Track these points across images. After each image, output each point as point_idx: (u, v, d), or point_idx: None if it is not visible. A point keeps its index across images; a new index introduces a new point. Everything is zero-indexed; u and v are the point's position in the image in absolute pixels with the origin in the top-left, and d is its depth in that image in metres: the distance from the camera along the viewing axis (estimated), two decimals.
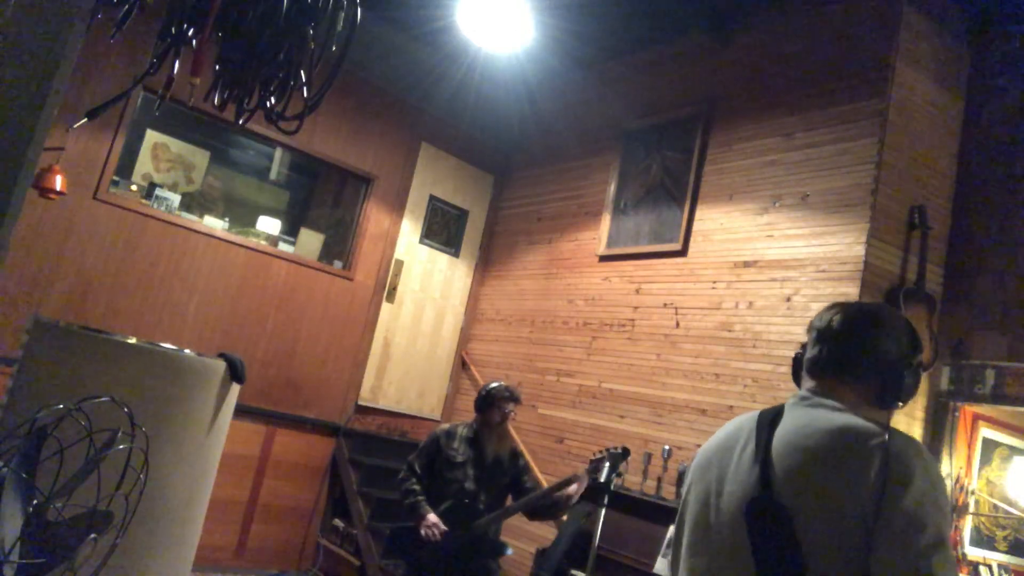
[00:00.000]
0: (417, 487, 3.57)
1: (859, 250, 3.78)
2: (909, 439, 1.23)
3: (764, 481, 1.26)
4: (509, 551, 3.67)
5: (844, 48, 4.16)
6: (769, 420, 1.36)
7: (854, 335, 1.38)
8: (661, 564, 3.79)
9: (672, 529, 1.59)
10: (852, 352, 1.37)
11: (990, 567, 4.04)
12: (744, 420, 1.43)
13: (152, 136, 6.16)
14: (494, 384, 3.73)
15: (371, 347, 5.93)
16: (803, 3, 4.48)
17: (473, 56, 5.55)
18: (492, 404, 3.64)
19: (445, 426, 3.79)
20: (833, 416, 1.29)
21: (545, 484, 4.34)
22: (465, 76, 5.82)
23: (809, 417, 1.32)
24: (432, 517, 3.45)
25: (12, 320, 4.41)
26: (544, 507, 3.54)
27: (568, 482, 3.43)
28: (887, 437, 1.20)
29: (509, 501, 3.70)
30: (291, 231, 6.32)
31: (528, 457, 3.82)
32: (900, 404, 1.39)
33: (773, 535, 1.21)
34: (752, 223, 4.37)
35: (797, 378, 1.47)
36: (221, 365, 1.97)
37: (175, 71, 1.86)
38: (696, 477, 1.45)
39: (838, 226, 3.92)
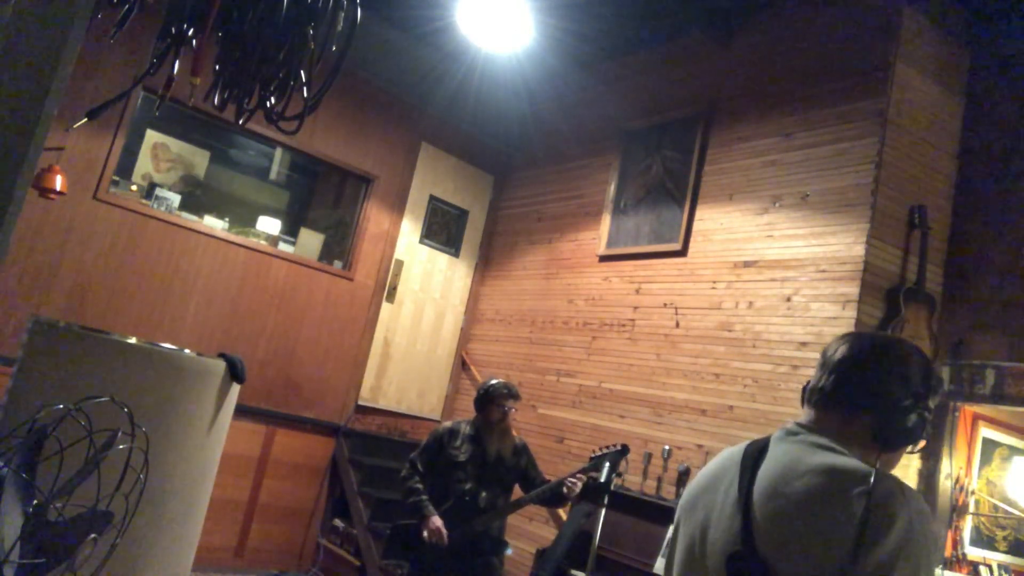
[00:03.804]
0: (420, 486, 3.56)
1: (859, 250, 3.78)
2: (897, 485, 1.16)
3: (745, 533, 1.21)
4: (509, 551, 3.67)
5: (844, 48, 4.16)
6: (753, 458, 1.30)
7: (855, 367, 1.30)
8: (661, 564, 3.79)
9: (670, 530, 1.55)
10: (851, 385, 1.30)
11: (990, 567, 4.04)
12: (729, 456, 1.38)
13: (152, 136, 6.16)
14: (492, 381, 3.69)
15: (371, 347, 5.93)
16: (803, 3, 4.48)
17: (473, 56, 5.55)
18: (491, 402, 3.62)
19: (448, 424, 3.77)
20: (819, 456, 1.23)
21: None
22: (465, 76, 5.82)
23: (793, 456, 1.26)
24: (435, 521, 3.44)
25: (12, 320, 4.41)
26: (549, 499, 3.58)
27: (574, 475, 3.45)
28: (872, 483, 1.13)
29: (517, 493, 3.70)
30: (291, 231, 6.33)
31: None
32: (902, 449, 1.31)
33: None
34: (752, 223, 4.37)
35: (803, 406, 1.42)
36: (221, 365, 1.96)
37: (175, 71, 1.86)
38: (683, 518, 1.41)
39: (838, 226, 3.92)
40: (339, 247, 6.09)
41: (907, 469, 3.83)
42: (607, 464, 3.43)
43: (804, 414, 1.36)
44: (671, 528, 1.47)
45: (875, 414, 1.27)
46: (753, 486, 1.25)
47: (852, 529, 1.11)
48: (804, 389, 1.40)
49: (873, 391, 1.28)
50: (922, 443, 1.32)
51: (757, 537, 1.20)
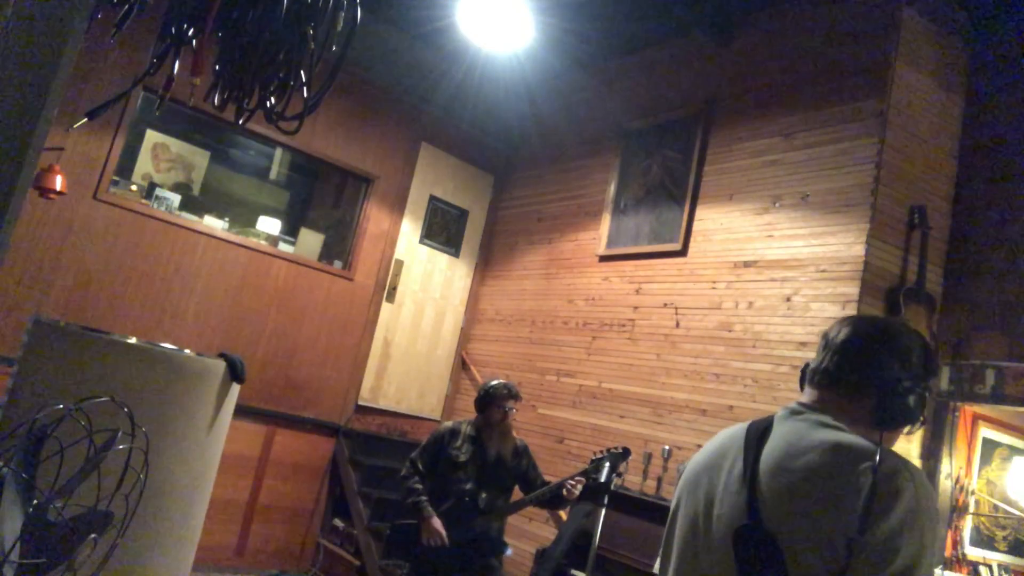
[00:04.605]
0: (420, 486, 3.57)
1: (859, 250, 3.78)
2: (901, 461, 1.18)
3: (751, 507, 1.23)
4: (509, 551, 3.67)
5: (844, 48, 4.16)
6: (757, 436, 1.32)
7: (857, 349, 1.33)
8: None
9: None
10: (853, 366, 1.32)
11: (990, 567, 4.04)
12: (732, 434, 1.39)
13: (152, 136, 6.16)
14: (493, 382, 3.72)
15: (371, 347, 5.93)
16: (803, 3, 4.48)
17: (473, 56, 5.55)
18: (492, 402, 3.64)
19: (449, 424, 3.78)
20: (823, 433, 1.25)
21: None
22: (465, 76, 5.81)
23: (798, 434, 1.28)
24: (435, 522, 3.45)
25: (12, 320, 4.41)
26: (549, 501, 3.59)
27: (572, 479, 3.46)
28: (878, 459, 1.16)
29: (517, 494, 3.71)
30: (291, 231, 6.33)
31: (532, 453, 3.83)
32: (902, 429, 1.33)
33: (761, 564, 1.18)
34: (752, 223, 4.37)
35: (803, 387, 1.43)
36: (221, 365, 1.97)
37: (175, 71, 1.86)
38: (685, 494, 1.42)
39: (838, 226, 3.92)
40: (339, 247, 6.08)
41: None
42: (607, 464, 3.44)
43: (805, 394, 1.39)
44: (671, 502, 1.48)
45: (876, 394, 1.30)
46: (758, 462, 1.27)
47: (859, 503, 1.13)
48: (803, 370, 1.43)
49: (874, 372, 1.31)
50: (920, 423, 1.35)
51: (764, 511, 1.21)
